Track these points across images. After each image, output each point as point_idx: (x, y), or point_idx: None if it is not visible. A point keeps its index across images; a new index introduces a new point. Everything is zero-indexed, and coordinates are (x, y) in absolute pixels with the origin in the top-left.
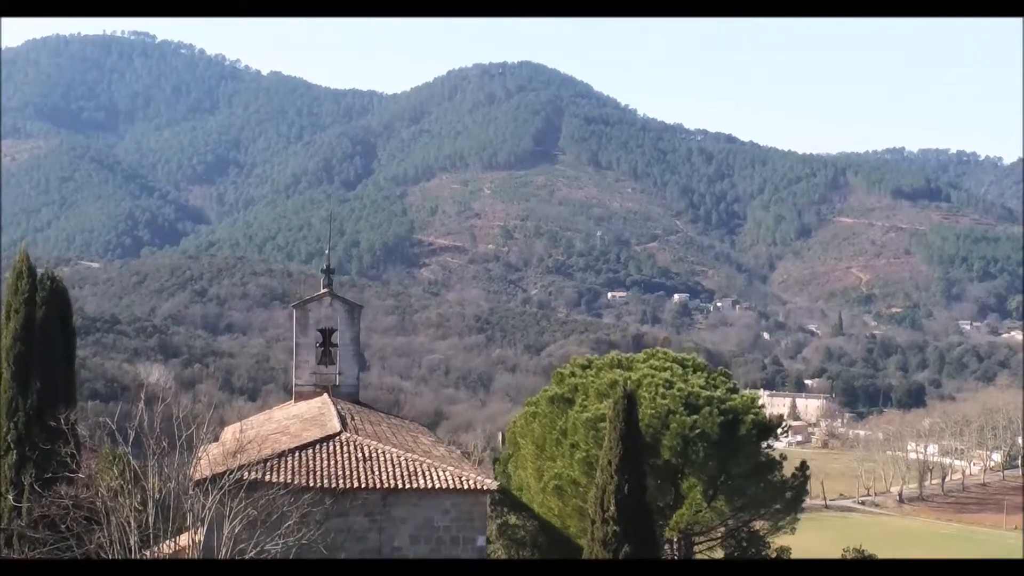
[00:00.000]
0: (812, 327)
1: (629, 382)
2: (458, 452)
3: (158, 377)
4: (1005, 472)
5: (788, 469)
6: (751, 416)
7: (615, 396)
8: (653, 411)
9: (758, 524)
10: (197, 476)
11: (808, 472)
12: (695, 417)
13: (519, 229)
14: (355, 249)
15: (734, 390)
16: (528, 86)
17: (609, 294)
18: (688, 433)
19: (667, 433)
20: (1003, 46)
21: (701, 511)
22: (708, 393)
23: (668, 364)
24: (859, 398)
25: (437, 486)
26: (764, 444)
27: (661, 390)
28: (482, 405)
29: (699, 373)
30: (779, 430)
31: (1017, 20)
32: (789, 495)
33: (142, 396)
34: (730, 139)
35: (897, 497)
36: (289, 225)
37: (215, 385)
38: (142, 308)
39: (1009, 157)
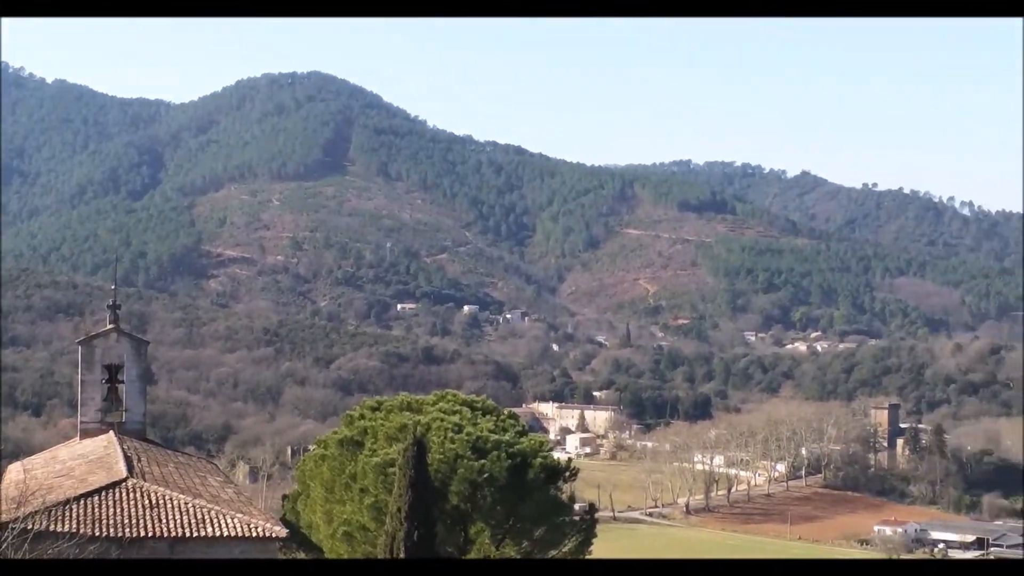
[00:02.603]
0: (600, 338)
1: (419, 426)
2: (247, 495)
3: None
4: (789, 483)
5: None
6: (540, 460)
7: (405, 441)
8: (442, 456)
9: None
10: None
11: (596, 516)
12: (483, 462)
13: (308, 240)
14: (142, 260)
15: (523, 433)
16: (318, 96)
17: (399, 306)
18: (476, 478)
19: (456, 478)
20: (788, 58)
21: (490, 556)
22: (497, 437)
23: (458, 407)
24: (646, 409)
25: (226, 534)
26: (552, 487)
27: (450, 434)
28: (271, 419)
29: (488, 416)
30: (567, 473)
31: (807, 28)
32: (578, 537)
33: None
34: (519, 151)
35: (684, 508)
36: (75, 236)
37: None
38: None
39: (792, 170)
